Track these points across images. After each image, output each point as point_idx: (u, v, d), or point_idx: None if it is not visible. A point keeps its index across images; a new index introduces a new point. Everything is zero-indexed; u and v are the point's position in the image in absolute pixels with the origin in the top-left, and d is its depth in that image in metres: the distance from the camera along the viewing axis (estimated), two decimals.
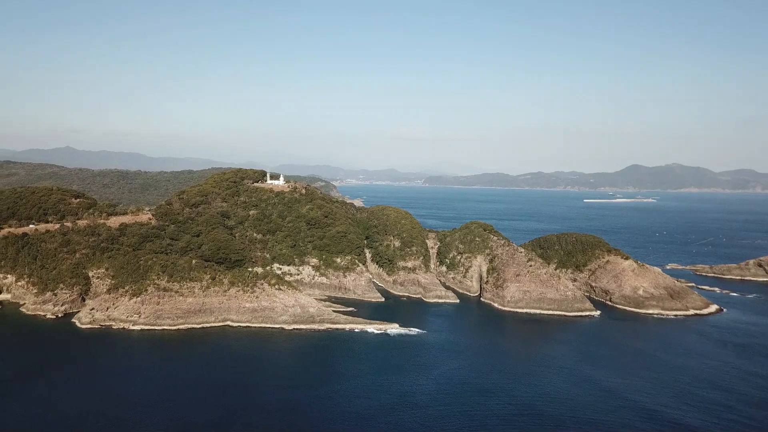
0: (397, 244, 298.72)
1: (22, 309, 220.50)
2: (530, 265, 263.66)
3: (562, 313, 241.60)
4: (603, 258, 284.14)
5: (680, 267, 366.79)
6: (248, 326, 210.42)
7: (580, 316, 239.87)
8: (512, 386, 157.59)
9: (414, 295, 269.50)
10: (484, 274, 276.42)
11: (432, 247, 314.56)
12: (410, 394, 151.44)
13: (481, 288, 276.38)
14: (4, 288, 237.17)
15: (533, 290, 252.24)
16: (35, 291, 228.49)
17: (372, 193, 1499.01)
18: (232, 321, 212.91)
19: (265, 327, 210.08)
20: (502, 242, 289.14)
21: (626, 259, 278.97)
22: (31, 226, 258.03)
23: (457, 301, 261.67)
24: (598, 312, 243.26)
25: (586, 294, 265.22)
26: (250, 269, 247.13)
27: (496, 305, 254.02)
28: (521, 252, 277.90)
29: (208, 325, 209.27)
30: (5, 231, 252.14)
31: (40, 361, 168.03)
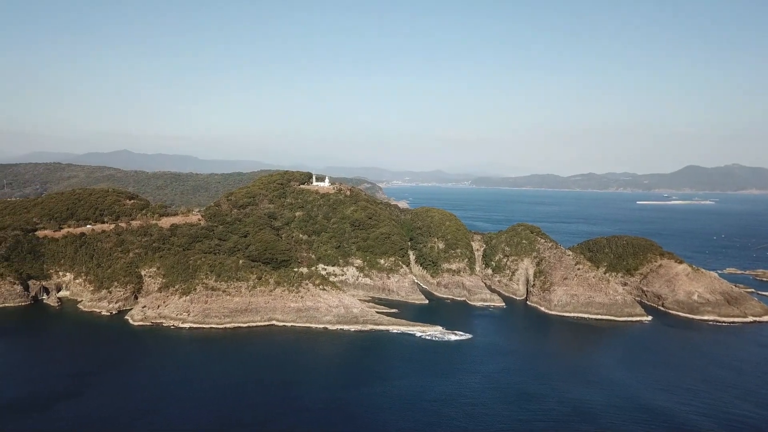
0: (442, 245, 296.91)
1: (80, 306, 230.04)
2: (578, 269, 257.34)
3: (612, 318, 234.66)
4: (655, 262, 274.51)
5: (739, 272, 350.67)
6: (293, 326, 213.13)
7: (631, 321, 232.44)
8: (557, 392, 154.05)
9: (458, 298, 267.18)
10: (531, 278, 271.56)
11: (477, 250, 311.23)
12: (453, 396, 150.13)
13: (527, 291, 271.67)
14: (64, 285, 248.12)
15: (581, 294, 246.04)
16: (92, 288, 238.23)
17: (418, 194, 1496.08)
18: (278, 320, 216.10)
19: (309, 327, 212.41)
20: (550, 245, 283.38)
21: (680, 263, 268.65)
22: (88, 226, 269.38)
23: (503, 304, 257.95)
24: (650, 317, 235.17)
25: (637, 299, 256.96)
26: (295, 269, 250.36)
27: (542, 309, 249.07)
28: (569, 255, 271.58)
29: (254, 324, 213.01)
30: (65, 231, 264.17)
31: (96, 357, 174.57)
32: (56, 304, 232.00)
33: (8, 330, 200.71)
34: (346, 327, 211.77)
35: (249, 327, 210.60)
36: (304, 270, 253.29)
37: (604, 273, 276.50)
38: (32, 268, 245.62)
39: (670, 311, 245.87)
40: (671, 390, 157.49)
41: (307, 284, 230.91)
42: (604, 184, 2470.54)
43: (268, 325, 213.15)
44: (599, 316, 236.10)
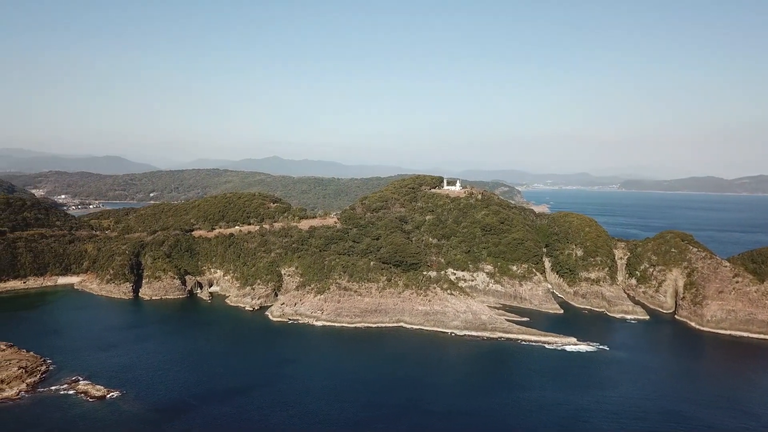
0: (580, 253, 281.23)
1: (227, 300, 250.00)
2: (737, 282, 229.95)
3: None
4: None
5: None
6: (420, 329, 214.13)
7: None
8: (709, 418, 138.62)
9: (597, 309, 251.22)
10: (680, 289, 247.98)
11: (620, 258, 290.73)
12: (585, 411, 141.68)
13: (675, 304, 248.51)
14: (215, 281, 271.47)
15: (740, 310, 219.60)
16: (238, 285, 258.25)
17: (560, 198, 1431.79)
18: (406, 322, 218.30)
19: (436, 331, 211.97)
20: (703, 254, 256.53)
21: None
22: (236, 227, 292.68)
23: (647, 317, 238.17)
24: None
25: None
26: (424, 273, 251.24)
27: (693, 324, 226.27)
28: (726, 266, 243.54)
29: (383, 325, 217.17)
30: (216, 231, 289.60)
31: (240, 350, 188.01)
32: (208, 298, 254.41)
33: (173, 319, 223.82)
34: (473, 333, 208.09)
35: (378, 327, 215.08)
36: (433, 274, 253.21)
37: None
38: (189, 264, 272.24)
39: None
40: None
41: (435, 288, 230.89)
42: None
43: (396, 327, 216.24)
44: (762, 336, 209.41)
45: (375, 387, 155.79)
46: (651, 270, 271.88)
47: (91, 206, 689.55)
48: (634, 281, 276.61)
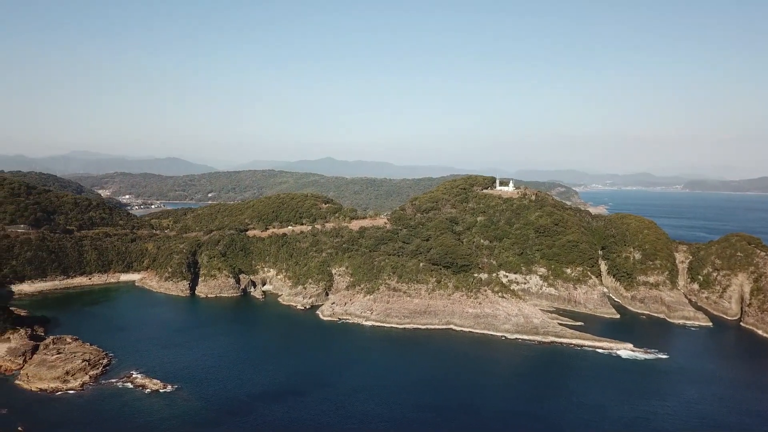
0: (638, 256, 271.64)
1: (279, 299, 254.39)
2: None
3: None
4: None
5: None
6: (470, 331, 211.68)
7: None
8: None
9: (655, 314, 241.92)
10: (746, 296, 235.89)
11: (681, 262, 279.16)
12: (640, 421, 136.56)
13: (741, 311, 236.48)
14: (268, 280, 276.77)
15: None
16: (290, 284, 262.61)
17: (620, 199, 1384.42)
18: (455, 325, 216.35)
19: (486, 334, 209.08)
20: None
21: None
22: (289, 227, 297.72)
23: (710, 324, 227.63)
24: None
25: None
26: (475, 275, 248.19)
27: (760, 333, 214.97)
28: None
29: (432, 326, 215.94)
30: (270, 231, 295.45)
31: (292, 349, 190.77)
32: (261, 297, 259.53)
33: (227, 317, 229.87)
34: (525, 337, 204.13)
35: (427, 329, 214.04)
36: (484, 276, 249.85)
37: None
38: (243, 263, 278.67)
39: None
40: None
41: (485, 290, 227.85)
42: None
43: (445, 329, 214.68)
44: None
45: (424, 388, 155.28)
46: (715, 274, 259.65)
47: (152, 206, 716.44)
48: (696, 286, 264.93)
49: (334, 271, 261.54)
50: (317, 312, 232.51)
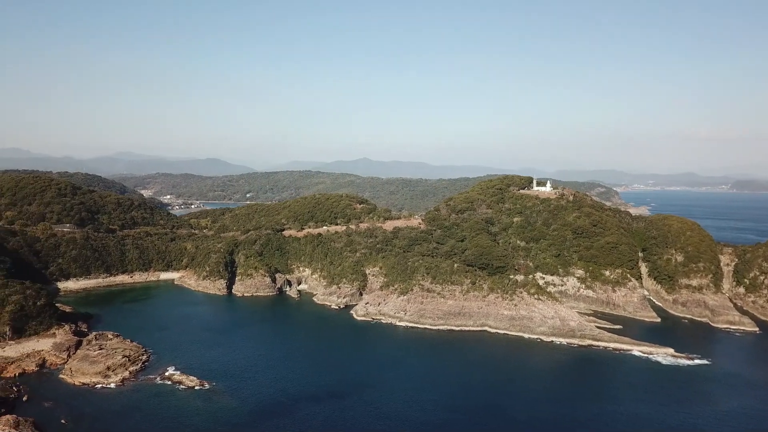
0: (680, 258, 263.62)
1: (314, 299, 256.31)
2: None
3: None
4: None
5: None
6: (506, 333, 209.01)
7: None
8: None
9: (698, 318, 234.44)
10: None
11: (727, 264, 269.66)
12: (679, 429, 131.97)
13: None
14: (303, 280, 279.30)
15: None
16: (324, 284, 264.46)
17: (662, 200, 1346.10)
18: (490, 327, 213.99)
19: (521, 336, 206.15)
20: None
21: None
22: (324, 227, 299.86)
23: (756, 329, 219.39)
24: None
25: None
26: (510, 277, 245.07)
27: None
28: None
29: (466, 328, 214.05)
30: (305, 231, 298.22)
31: (327, 348, 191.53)
32: (296, 296, 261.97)
33: (263, 316, 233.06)
34: (561, 340, 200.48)
35: (461, 331, 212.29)
36: (520, 277, 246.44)
37: None
38: (279, 263, 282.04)
39: None
40: None
41: (521, 292, 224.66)
42: None
43: (480, 331, 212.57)
44: None
45: (457, 390, 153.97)
46: (762, 278, 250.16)
47: (192, 206, 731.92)
48: (742, 290, 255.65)
49: (367, 272, 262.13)
50: (351, 312, 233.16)
